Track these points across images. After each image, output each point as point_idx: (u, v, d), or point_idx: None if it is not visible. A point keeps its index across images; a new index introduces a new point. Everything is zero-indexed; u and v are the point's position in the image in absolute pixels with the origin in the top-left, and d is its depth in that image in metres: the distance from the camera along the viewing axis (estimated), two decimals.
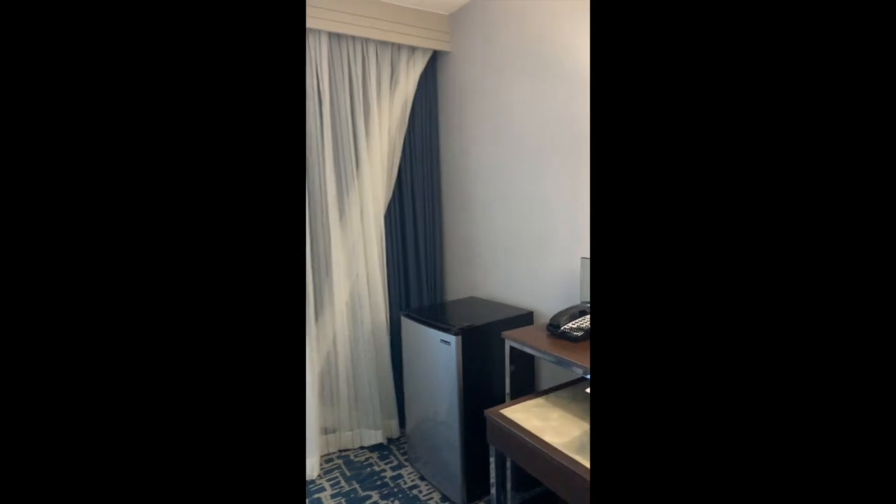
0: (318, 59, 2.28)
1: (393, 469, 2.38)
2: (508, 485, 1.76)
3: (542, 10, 2.03)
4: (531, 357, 2.18)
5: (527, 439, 1.39)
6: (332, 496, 2.18)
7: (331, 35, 2.30)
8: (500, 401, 2.10)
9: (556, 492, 1.31)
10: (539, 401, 1.65)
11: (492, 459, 1.67)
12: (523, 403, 1.63)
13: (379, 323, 2.56)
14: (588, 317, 1.72)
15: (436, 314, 2.22)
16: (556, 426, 1.44)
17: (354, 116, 2.41)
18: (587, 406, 1.58)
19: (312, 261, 2.39)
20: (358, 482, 2.27)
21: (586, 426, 1.44)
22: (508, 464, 1.73)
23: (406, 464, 2.43)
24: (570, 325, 1.70)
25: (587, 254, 1.91)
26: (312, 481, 2.31)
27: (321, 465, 2.44)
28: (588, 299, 1.84)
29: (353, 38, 2.36)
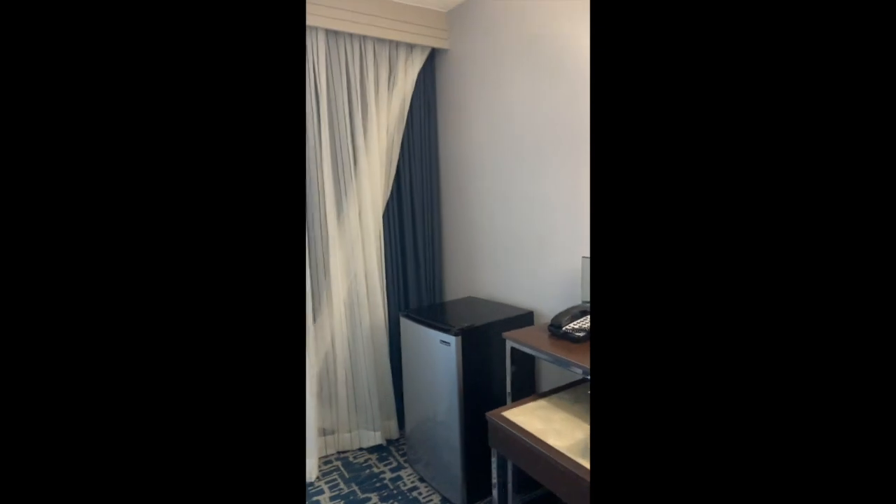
0: (315, 56, 2.25)
1: (392, 471, 2.36)
2: (509, 486, 1.74)
3: (542, 7, 2.00)
4: (531, 357, 2.16)
5: (529, 442, 1.37)
6: (332, 499, 2.16)
7: (328, 32, 2.27)
8: (501, 402, 2.08)
9: (559, 496, 1.29)
10: (541, 402, 1.63)
11: (493, 460, 1.65)
12: (525, 405, 1.61)
13: (378, 323, 2.53)
14: (590, 317, 1.71)
15: (435, 314, 2.20)
16: (558, 429, 1.42)
17: (352, 115, 2.39)
18: (590, 408, 1.56)
19: (310, 260, 2.37)
20: (357, 484, 2.25)
21: (589, 428, 1.42)
22: (510, 466, 1.71)
23: (405, 465, 2.41)
24: (571, 325, 1.68)
25: (588, 253, 1.89)
26: (311, 483, 2.28)
27: (319, 466, 2.42)
28: (589, 299, 1.82)
29: (351, 35, 2.33)
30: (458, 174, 2.65)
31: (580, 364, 1.43)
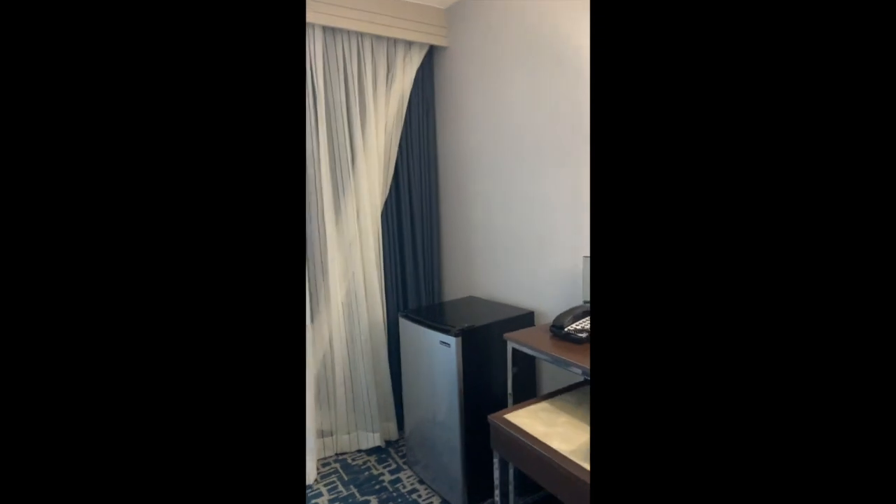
0: (312, 53, 2.22)
1: (391, 473, 2.34)
2: (511, 488, 1.72)
3: (542, 4, 1.98)
4: (532, 358, 2.14)
5: (533, 446, 1.34)
6: (330, 501, 2.13)
7: (325, 29, 2.24)
8: (501, 403, 2.06)
9: (563, 501, 1.27)
10: (544, 405, 1.61)
11: (495, 462, 1.63)
12: (528, 408, 1.58)
13: (376, 323, 2.51)
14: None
15: (434, 315, 2.17)
16: (562, 432, 1.40)
17: (350, 113, 2.36)
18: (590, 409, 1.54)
19: (308, 261, 2.34)
20: (356, 486, 2.23)
21: None
22: (511, 468, 1.69)
23: (405, 467, 2.38)
24: (574, 325, 1.66)
25: (589, 252, 1.87)
26: (309, 486, 2.26)
27: (318, 469, 2.39)
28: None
29: (348, 31, 2.30)
30: (457, 173, 2.62)
31: (583, 366, 1.41)
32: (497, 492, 1.65)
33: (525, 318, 2.13)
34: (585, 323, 1.67)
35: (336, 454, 2.52)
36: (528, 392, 2.17)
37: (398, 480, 2.27)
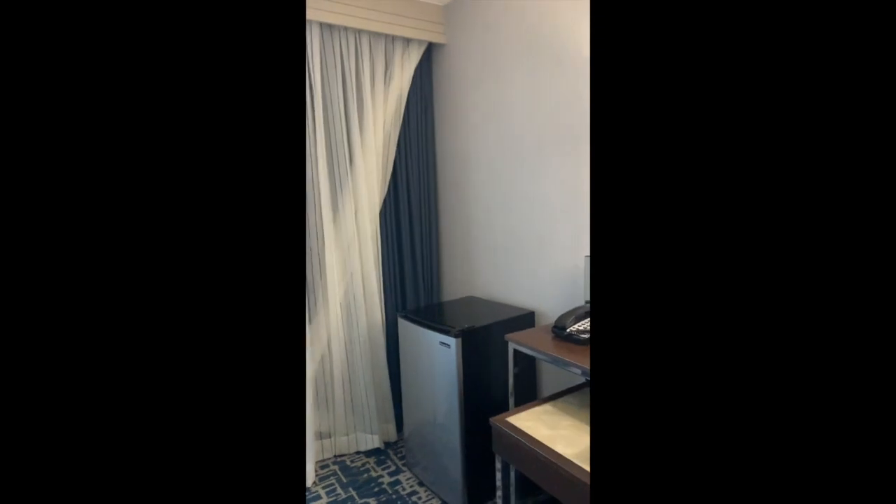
0: (309, 50, 2.18)
1: (391, 475, 2.32)
2: (512, 490, 1.70)
3: (542, 2, 1.95)
4: (532, 359, 2.13)
5: (536, 450, 1.32)
6: None
7: (322, 25, 2.21)
8: (502, 404, 2.04)
9: None
10: (546, 407, 1.59)
11: (497, 465, 1.61)
12: (530, 410, 1.57)
13: (375, 324, 2.48)
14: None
15: (434, 315, 2.15)
16: (566, 435, 1.38)
17: (348, 111, 2.33)
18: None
19: (306, 260, 2.31)
20: (355, 489, 2.21)
21: None
22: (512, 471, 1.67)
23: (404, 469, 2.36)
24: (576, 326, 1.64)
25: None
26: (308, 489, 2.23)
27: (316, 471, 2.37)
28: None
29: (346, 28, 2.27)
30: (456, 172, 2.59)
31: (586, 367, 1.39)
32: (499, 493, 1.63)
33: (525, 319, 2.11)
34: (588, 324, 1.65)
35: (335, 456, 2.50)
36: (528, 393, 2.15)
37: (397, 482, 2.25)
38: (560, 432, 1.40)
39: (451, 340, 1.90)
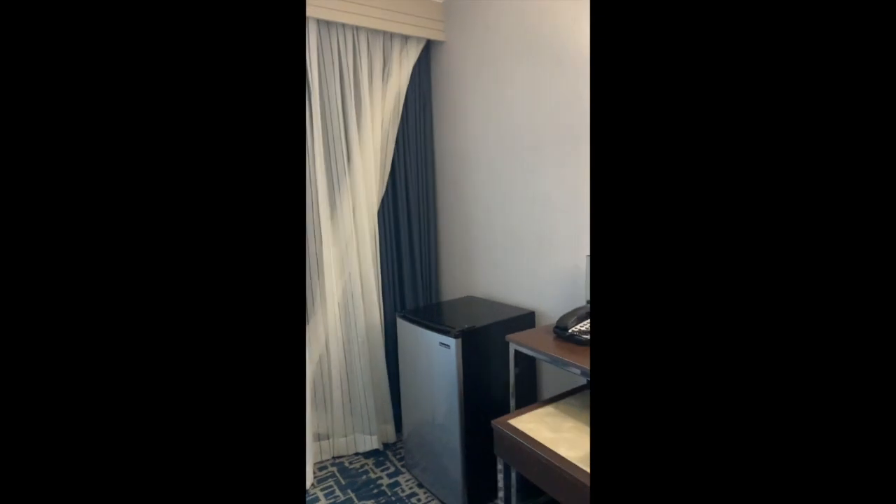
0: (306, 47, 2.15)
1: (390, 476, 2.29)
2: (513, 492, 1.68)
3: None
4: (532, 360, 2.11)
5: (539, 453, 1.30)
6: None
7: (319, 22, 2.18)
8: (502, 404, 2.02)
9: None
10: (549, 409, 1.57)
11: (499, 468, 1.59)
12: (533, 412, 1.54)
13: (373, 324, 2.46)
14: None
15: (433, 315, 2.13)
16: (569, 438, 1.36)
17: (345, 109, 2.30)
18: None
19: None
20: (353, 491, 2.18)
21: None
22: (513, 474, 1.65)
23: (403, 470, 2.34)
24: (578, 327, 1.62)
25: None
26: (306, 491, 2.21)
27: (314, 473, 2.34)
28: None
29: (344, 25, 2.24)
30: (455, 170, 2.57)
31: (589, 369, 1.37)
32: (501, 494, 1.61)
33: (525, 319, 2.09)
34: (589, 324, 1.63)
35: (333, 457, 2.48)
36: (528, 394, 2.14)
37: (396, 484, 2.23)
38: (562, 435, 1.38)
39: (451, 341, 1.88)
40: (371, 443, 2.49)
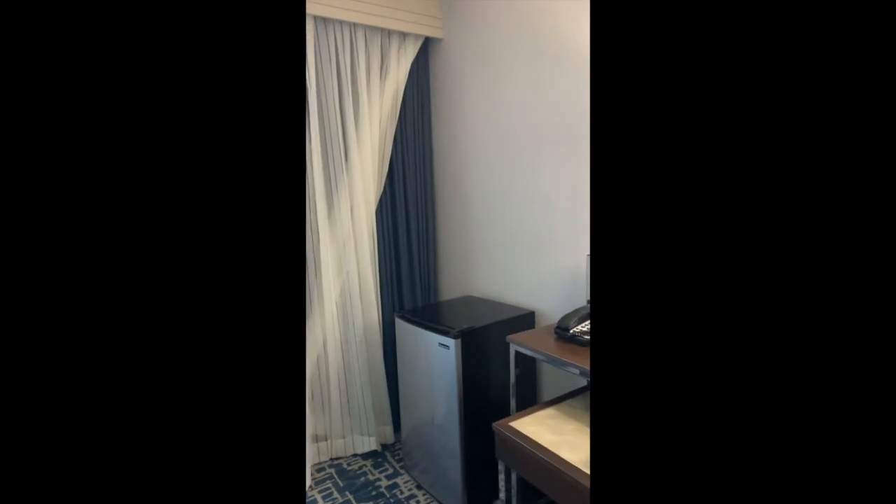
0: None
1: (388, 478, 2.27)
2: (514, 493, 1.66)
3: None
4: (532, 360, 2.09)
5: (541, 456, 1.29)
6: None
7: (316, 19, 2.15)
8: (501, 405, 2.00)
9: None
10: (550, 411, 1.55)
11: (500, 470, 1.57)
12: (534, 415, 1.53)
13: (371, 324, 2.43)
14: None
15: (432, 315, 2.11)
16: (571, 440, 1.35)
17: (343, 107, 2.27)
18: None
19: None
20: (352, 493, 2.16)
21: None
22: (514, 474, 1.64)
23: (402, 471, 2.32)
24: (579, 327, 1.60)
25: None
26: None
27: (312, 475, 2.32)
28: None
29: (341, 22, 2.21)
30: (454, 168, 2.55)
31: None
32: (502, 495, 1.59)
33: (525, 319, 2.08)
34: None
35: (331, 459, 2.45)
36: (528, 396, 2.12)
37: (395, 486, 2.21)
38: (565, 437, 1.37)
39: (451, 342, 1.86)
40: (369, 444, 2.46)
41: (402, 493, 2.16)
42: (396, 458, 2.44)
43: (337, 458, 2.46)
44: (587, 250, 1.87)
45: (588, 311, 1.66)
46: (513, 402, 1.75)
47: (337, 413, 2.41)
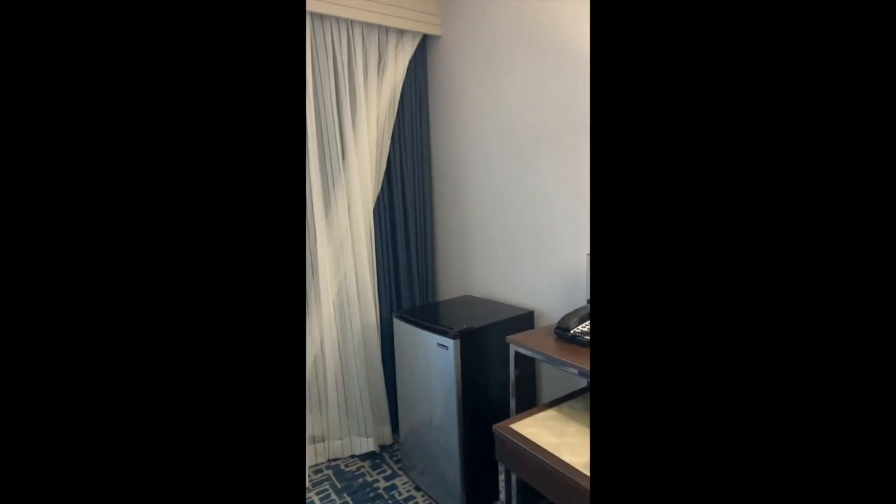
0: None
1: (386, 479, 2.25)
2: (514, 494, 1.65)
3: None
4: (532, 361, 2.07)
5: (542, 458, 1.27)
6: None
7: (313, 15, 2.12)
8: (501, 405, 1.98)
9: None
10: (550, 413, 1.53)
11: (501, 471, 1.55)
12: (534, 416, 1.51)
13: (369, 324, 2.41)
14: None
15: (430, 315, 2.09)
16: (572, 443, 1.33)
17: (340, 105, 2.25)
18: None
19: None
20: (349, 494, 2.14)
21: None
22: (514, 476, 1.62)
23: (400, 473, 2.30)
24: (580, 328, 1.59)
25: None
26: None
27: (310, 476, 2.30)
28: None
29: (338, 18, 2.18)
30: (452, 167, 2.53)
31: None
32: (502, 496, 1.58)
33: (525, 319, 2.06)
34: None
35: (328, 460, 2.43)
36: (528, 397, 2.10)
37: (393, 487, 2.19)
38: (566, 440, 1.35)
39: (450, 342, 1.84)
40: (367, 445, 2.44)
41: (400, 494, 2.14)
42: (395, 459, 2.42)
43: (334, 460, 2.44)
44: (587, 250, 1.85)
45: (588, 311, 1.64)
46: (512, 403, 1.73)
47: (334, 414, 2.39)
